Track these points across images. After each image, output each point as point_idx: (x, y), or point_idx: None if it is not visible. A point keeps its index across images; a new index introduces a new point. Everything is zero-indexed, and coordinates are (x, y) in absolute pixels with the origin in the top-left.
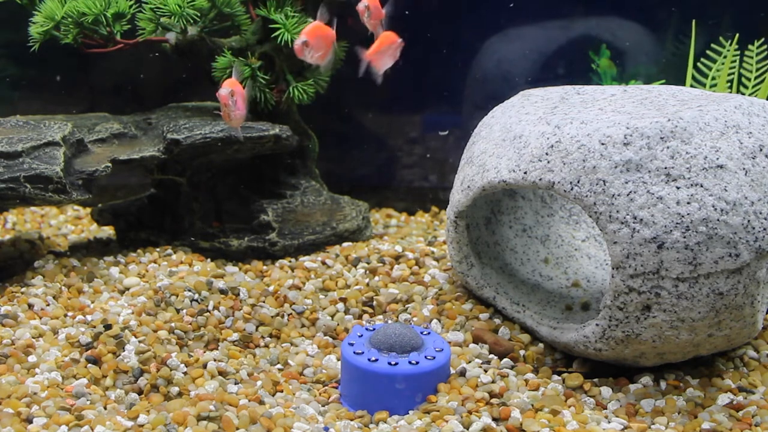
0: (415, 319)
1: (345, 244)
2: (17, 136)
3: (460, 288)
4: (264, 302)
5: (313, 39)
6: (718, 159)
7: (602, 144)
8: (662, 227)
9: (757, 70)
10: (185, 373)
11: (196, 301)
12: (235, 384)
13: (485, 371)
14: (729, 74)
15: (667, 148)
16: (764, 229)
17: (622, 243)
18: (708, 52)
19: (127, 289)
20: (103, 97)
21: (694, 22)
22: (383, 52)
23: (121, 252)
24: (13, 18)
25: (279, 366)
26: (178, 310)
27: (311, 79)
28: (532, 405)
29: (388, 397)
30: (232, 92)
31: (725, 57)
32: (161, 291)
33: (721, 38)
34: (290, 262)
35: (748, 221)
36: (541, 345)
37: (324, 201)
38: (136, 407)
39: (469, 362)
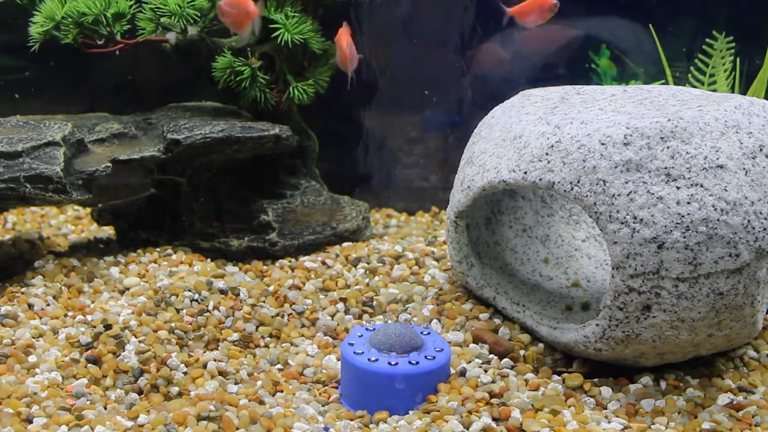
0: (415, 319)
1: (345, 244)
2: (17, 136)
3: (460, 288)
4: (264, 302)
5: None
6: (718, 159)
7: (602, 144)
8: (662, 227)
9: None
10: (185, 373)
11: (196, 301)
12: (235, 384)
13: (485, 371)
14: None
15: (667, 148)
16: (764, 229)
17: (622, 243)
18: (704, 47)
19: (127, 289)
20: (103, 97)
21: (651, 26)
22: (530, 12)
23: (121, 252)
24: (14, 18)
25: (279, 366)
26: (178, 310)
27: (311, 79)
28: (532, 405)
29: (388, 397)
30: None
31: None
32: (161, 291)
33: (714, 32)
34: (290, 262)
35: (748, 221)
36: (541, 345)
37: (324, 201)
38: (136, 407)
39: (469, 362)
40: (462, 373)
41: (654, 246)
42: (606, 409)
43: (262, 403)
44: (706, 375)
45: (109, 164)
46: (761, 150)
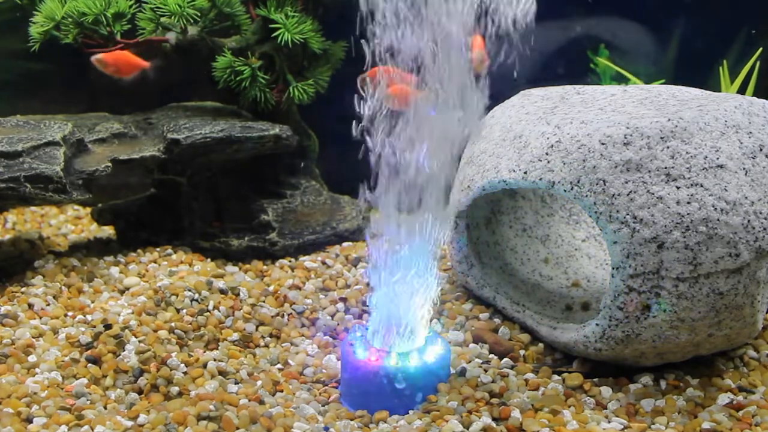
0: None
1: (345, 244)
2: (17, 135)
3: (460, 288)
4: (264, 302)
5: (110, 61)
6: (718, 159)
7: (602, 144)
8: (662, 227)
9: None
10: (185, 373)
11: (196, 300)
12: (235, 384)
13: (485, 371)
14: None
15: (667, 148)
16: (764, 228)
17: (622, 243)
18: None
19: (127, 288)
20: (103, 97)
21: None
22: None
23: (121, 252)
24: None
25: (279, 366)
26: (178, 310)
27: (311, 79)
28: (532, 405)
29: (388, 397)
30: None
31: None
32: (161, 291)
33: None
34: (290, 261)
35: (748, 221)
36: (541, 345)
37: (324, 201)
38: (136, 407)
39: (469, 362)
40: (462, 373)
41: (654, 246)
42: (606, 408)
43: (262, 402)
44: (706, 375)
45: (109, 164)
46: (761, 150)
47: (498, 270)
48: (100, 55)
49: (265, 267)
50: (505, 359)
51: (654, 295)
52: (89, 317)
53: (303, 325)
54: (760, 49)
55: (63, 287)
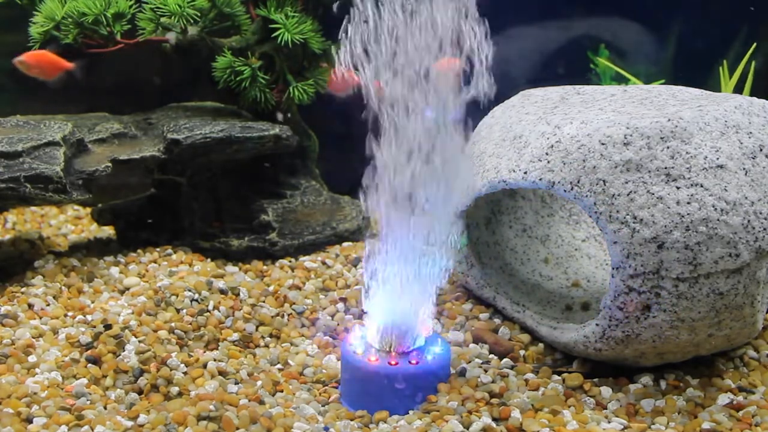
0: None
1: (345, 244)
2: (17, 136)
3: (460, 288)
4: (264, 302)
5: (33, 62)
6: (718, 159)
7: (602, 144)
8: (662, 227)
9: None
10: (185, 373)
11: (196, 301)
12: (235, 384)
13: (485, 371)
14: None
15: (667, 148)
16: (764, 229)
17: (622, 243)
18: None
19: (127, 288)
20: (103, 97)
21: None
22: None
23: (121, 252)
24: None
25: (279, 366)
26: (178, 310)
27: (311, 79)
28: (532, 405)
29: (388, 397)
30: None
31: None
32: (161, 291)
33: None
34: (290, 262)
35: (748, 221)
36: (541, 345)
37: (324, 201)
38: (136, 407)
39: (469, 362)
40: (462, 373)
41: (654, 246)
42: (606, 409)
43: (262, 403)
44: (706, 375)
45: (109, 164)
46: (761, 150)
47: (498, 270)
48: (21, 57)
49: (265, 267)
50: (505, 359)
51: (654, 295)
52: (89, 317)
53: (303, 325)
54: (754, 44)
55: (63, 287)
